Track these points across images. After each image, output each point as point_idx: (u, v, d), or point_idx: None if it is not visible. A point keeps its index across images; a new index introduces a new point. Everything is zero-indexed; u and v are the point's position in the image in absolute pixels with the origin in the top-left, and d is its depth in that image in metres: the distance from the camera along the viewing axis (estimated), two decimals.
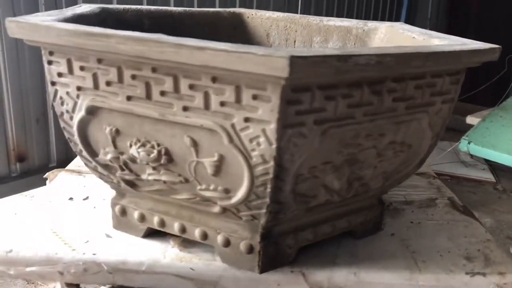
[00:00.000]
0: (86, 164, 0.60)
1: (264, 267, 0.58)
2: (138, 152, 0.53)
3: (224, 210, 0.55)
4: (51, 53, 0.53)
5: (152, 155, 0.52)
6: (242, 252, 0.57)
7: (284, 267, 0.59)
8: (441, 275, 0.60)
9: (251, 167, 0.48)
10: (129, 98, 0.50)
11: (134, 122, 0.52)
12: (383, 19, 3.22)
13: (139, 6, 0.82)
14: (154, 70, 0.48)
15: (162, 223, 0.61)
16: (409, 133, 0.56)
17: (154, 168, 0.54)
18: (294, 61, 0.39)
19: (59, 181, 0.80)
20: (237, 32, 0.93)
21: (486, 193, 2.12)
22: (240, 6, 2.08)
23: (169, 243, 0.63)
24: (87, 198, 0.74)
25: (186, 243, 0.62)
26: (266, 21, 0.93)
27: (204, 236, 0.59)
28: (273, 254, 0.58)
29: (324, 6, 2.63)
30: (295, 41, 0.92)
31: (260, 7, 2.12)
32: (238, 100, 0.45)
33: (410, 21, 3.47)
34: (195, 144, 0.50)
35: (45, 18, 0.53)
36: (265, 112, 0.44)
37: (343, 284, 0.58)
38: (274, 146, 0.46)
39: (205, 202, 0.56)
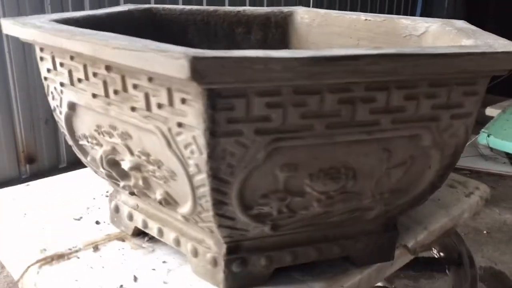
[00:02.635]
0: (221, 225, 0.47)
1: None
2: (325, 184, 0.46)
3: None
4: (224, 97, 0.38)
5: (341, 182, 0.47)
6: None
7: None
8: None
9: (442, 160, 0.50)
10: (329, 126, 0.43)
11: (324, 151, 0.45)
12: (398, 8, 3.01)
13: None
14: (367, 88, 0.42)
15: None
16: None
17: (329, 197, 0.48)
18: None
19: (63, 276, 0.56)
20: (148, 31, 0.80)
21: (507, 188, 1.99)
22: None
23: None
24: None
25: None
26: (180, 16, 0.83)
27: None
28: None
29: (337, 2, 2.50)
30: (215, 35, 0.86)
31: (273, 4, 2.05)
32: (448, 98, 0.46)
33: (427, 10, 3.26)
34: (389, 155, 0.47)
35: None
36: (471, 104, 0.47)
37: None
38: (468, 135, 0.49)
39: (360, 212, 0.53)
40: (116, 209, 0.63)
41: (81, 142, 0.57)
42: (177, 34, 0.84)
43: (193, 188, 0.45)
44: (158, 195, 0.51)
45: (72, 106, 0.53)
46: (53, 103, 0.56)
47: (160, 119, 0.43)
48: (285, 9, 0.87)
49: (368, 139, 0.45)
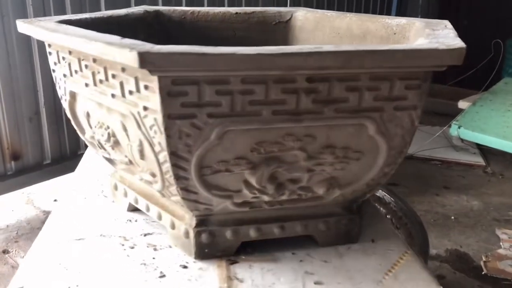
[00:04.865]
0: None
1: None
2: None
3: None
4: None
5: None
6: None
7: None
8: None
9: None
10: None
11: None
12: (374, 6, 3.04)
13: None
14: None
15: None
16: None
17: None
18: None
19: None
20: None
21: (475, 177, 2.04)
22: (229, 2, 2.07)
23: None
24: None
25: None
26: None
27: None
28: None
29: (313, 1, 2.53)
30: None
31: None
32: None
33: (402, 7, 3.25)
34: None
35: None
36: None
37: None
38: None
39: None
40: (210, 239, 0.60)
41: (208, 175, 0.52)
42: None
43: (388, 155, 0.54)
44: (322, 186, 0.57)
45: (221, 136, 0.49)
46: (175, 144, 0.48)
47: (374, 110, 0.51)
48: (149, 8, 0.86)
49: None
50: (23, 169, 1.47)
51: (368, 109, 0.50)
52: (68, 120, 1.59)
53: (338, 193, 0.58)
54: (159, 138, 0.49)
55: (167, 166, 0.51)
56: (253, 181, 0.53)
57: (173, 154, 0.49)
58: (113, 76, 0.51)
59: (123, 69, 0.49)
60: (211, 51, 0.42)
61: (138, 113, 0.50)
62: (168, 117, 0.47)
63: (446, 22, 0.65)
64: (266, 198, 0.56)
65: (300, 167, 0.53)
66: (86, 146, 1.57)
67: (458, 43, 0.48)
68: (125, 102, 0.51)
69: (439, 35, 0.55)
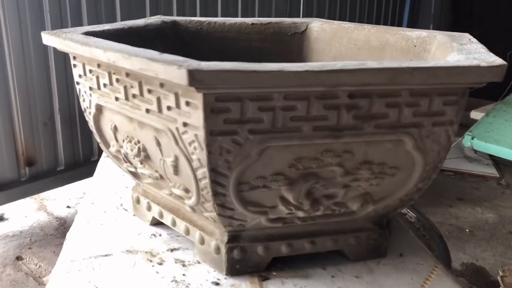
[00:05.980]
0: None
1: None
2: None
3: None
4: None
5: None
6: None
7: None
8: None
9: None
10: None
11: None
12: (386, 14, 3.04)
13: None
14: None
15: None
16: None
17: None
18: None
19: None
20: None
21: (489, 188, 2.00)
22: (243, 10, 2.07)
23: None
24: None
25: None
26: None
27: None
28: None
29: (326, 7, 2.50)
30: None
31: (263, 9, 2.12)
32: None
33: (414, 16, 3.23)
34: None
35: None
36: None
37: None
38: None
39: None
40: (242, 255, 0.59)
41: (245, 191, 0.52)
42: None
43: (423, 171, 0.55)
44: (356, 202, 0.56)
45: (261, 152, 0.49)
46: (215, 160, 0.48)
47: (413, 125, 0.51)
48: (166, 18, 0.86)
49: None
50: (37, 175, 1.46)
51: (407, 124, 0.50)
52: (82, 126, 1.66)
53: (371, 208, 0.58)
54: (199, 155, 0.48)
55: (205, 182, 0.50)
56: (289, 197, 0.53)
57: (213, 171, 0.49)
58: (149, 91, 0.51)
59: (162, 85, 0.49)
60: (259, 68, 0.42)
61: (177, 128, 0.49)
62: (211, 133, 0.46)
63: (469, 36, 0.65)
64: (301, 214, 0.56)
65: (337, 183, 0.53)
66: (99, 153, 1.58)
67: (498, 60, 0.49)
68: (161, 117, 0.51)
69: (471, 50, 0.55)
